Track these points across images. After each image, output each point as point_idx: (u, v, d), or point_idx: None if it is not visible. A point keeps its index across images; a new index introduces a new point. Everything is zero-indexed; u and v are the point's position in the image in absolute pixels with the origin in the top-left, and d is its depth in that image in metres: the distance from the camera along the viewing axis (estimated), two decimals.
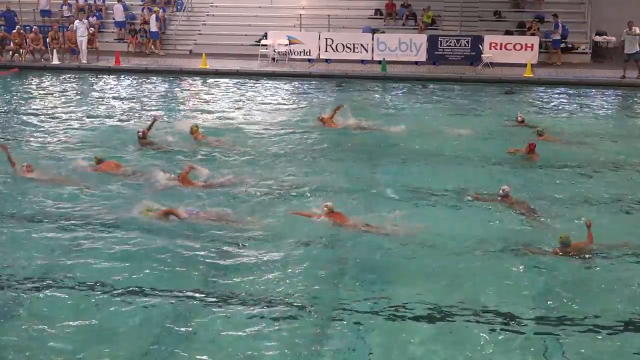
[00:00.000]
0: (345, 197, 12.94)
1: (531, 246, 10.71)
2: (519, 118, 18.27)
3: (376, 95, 23.46)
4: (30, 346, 8.11)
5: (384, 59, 26.80)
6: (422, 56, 27.58)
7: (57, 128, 18.38)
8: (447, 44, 27.53)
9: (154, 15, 29.85)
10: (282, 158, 15.52)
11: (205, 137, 16.73)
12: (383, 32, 28.85)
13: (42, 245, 10.79)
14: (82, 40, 28.27)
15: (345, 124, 18.04)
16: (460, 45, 27.45)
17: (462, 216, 12.15)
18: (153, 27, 29.82)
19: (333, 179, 13.97)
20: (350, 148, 16.44)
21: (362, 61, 27.87)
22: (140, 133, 16.29)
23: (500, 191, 12.43)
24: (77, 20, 28.73)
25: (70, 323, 8.60)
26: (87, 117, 19.66)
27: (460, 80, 25.42)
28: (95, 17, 31.22)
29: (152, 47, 29.82)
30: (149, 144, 16.19)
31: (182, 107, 21.37)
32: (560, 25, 27.46)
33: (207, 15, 32.16)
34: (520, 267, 10.15)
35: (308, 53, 28.34)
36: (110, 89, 24.38)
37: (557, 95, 23.35)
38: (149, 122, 16.92)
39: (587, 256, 10.35)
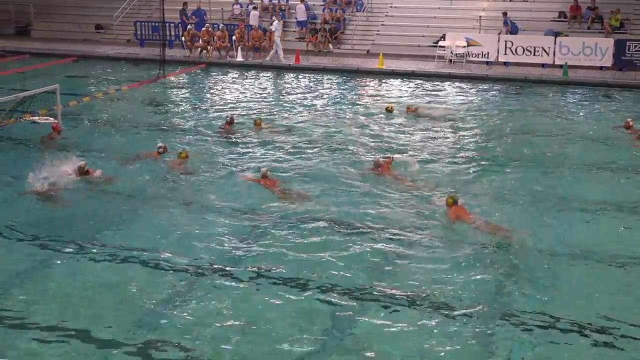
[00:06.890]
0: (516, 205, 12.73)
1: None
2: (630, 123, 17.63)
3: (556, 100, 22.61)
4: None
5: (566, 63, 25.80)
6: (608, 61, 26.33)
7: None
8: (636, 49, 26.11)
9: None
10: (448, 161, 15.46)
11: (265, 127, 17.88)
12: (566, 36, 27.78)
13: (210, 235, 11.23)
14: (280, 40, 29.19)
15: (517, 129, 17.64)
16: None
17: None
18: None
19: (503, 185, 13.78)
20: (524, 154, 16.11)
21: (543, 65, 27.00)
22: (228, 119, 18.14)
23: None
24: (276, 21, 29.53)
25: (231, 315, 8.86)
26: (263, 110, 20.47)
27: None
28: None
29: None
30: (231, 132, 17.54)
31: (356, 105, 21.65)
32: None
33: (386, 15, 32.38)
34: None
35: (486, 55, 27.82)
36: (288, 85, 25.19)
37: None
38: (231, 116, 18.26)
39: None
